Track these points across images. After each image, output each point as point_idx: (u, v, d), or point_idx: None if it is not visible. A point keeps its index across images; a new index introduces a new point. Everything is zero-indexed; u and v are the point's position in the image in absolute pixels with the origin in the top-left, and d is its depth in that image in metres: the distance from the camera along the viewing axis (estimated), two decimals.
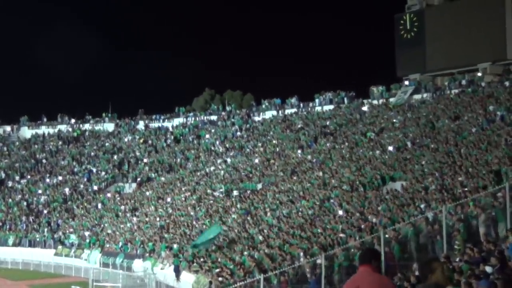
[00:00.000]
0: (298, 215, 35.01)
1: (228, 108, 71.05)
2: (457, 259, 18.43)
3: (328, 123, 54.55)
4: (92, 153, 66.57)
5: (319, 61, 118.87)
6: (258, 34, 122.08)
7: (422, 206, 26.99)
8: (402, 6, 62.33)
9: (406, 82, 58.09)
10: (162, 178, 56.44)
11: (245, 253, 32.24)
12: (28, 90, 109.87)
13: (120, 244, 44.75)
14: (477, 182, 27.27)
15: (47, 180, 62.74)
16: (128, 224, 48.37)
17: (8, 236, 54.00)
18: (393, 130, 45.97)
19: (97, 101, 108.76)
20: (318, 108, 60.47)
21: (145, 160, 62.11)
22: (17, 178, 64.21)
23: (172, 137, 66.30)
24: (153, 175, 58.29)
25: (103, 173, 62.06)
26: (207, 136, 63.49)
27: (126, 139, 68.35)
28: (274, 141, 54.68)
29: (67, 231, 51.79)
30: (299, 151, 49.73)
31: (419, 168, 34.52)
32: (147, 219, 47.51)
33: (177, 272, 36.27)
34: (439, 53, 57.65)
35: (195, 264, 34.95)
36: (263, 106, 66.86)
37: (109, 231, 48.46)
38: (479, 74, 54.55)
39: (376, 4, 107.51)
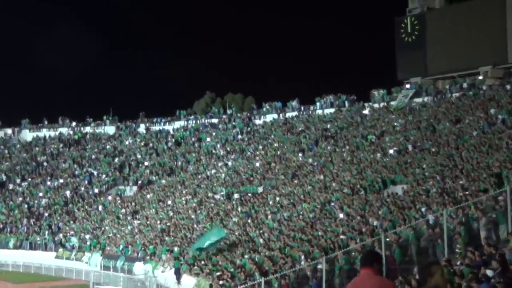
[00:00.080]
0: (299, 218, 35.03)
1: (229, 111, 71.02)
2: (458, 263, 18.43)
3: (329, 126, 54.50)
4: (93, 156, 66.55)
5: (320, 64, 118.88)
6: (259, 36, 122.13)
7: (423, 209, 26.97)
8: (403, 9, 62.37)
9: (407, 86, 58.02)
10: (163, 181, 56.38)
11: (246, 256, 32.25)
12: (28, 92, 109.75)
13: (121, 247, 44.78)
14: (478, 185, 27.28)
15: (48, 182, 62.73)
16: (129, 227, 48.38)
17: (9, 238, 53.95)
18: (394, 133, 45.92)
19: (97, 101, 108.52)
20: (319, 111, 60.40)
21: (146, 163, 62.05)
22: (18, 180, 64.24)
23: (173, 140, 66.25)
24: (154, 178, 58.25)
25: (104, 176, 62.04)
26: (208, 139, 63.43)
27: (127, 142, 68.34)
28: (275, 144, 54.61)
29: (68, 234, 51.75)
30: (300, 154, 49.69)
31: (420, 172, 34.52)
32: (148, 222, 47.52)
33: (178, 275, 36.30)
34: (440, 57, 57.68)
35: (196, 267, 34.95)
36: (264, 109, 66.84)
37: (110, 234, 48.45)
38: (480, 77, 54.54)
39: (377, 7, 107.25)
